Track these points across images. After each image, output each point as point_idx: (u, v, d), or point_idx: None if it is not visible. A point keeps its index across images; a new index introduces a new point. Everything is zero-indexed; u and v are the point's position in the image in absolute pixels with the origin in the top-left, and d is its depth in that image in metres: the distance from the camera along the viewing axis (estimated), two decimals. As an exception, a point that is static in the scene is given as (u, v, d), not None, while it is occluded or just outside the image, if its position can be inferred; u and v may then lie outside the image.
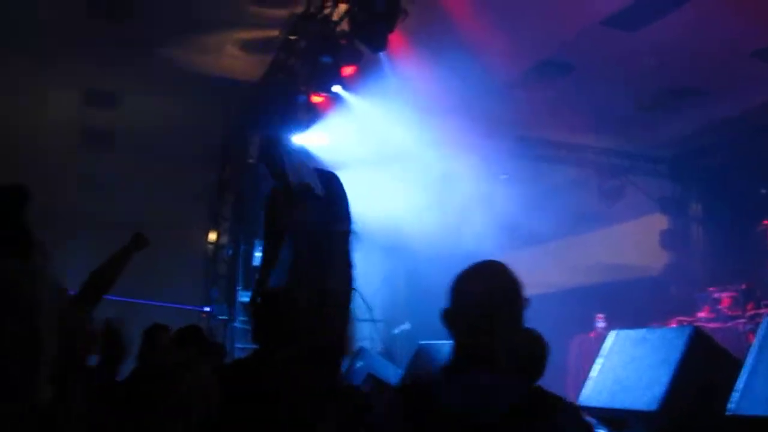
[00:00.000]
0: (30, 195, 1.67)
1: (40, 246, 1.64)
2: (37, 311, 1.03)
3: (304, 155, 3.68)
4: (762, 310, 8.24)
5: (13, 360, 1.02)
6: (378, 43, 6.42)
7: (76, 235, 13.06)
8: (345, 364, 4.78)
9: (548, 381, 2.49)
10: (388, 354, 7.73)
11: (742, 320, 8.38)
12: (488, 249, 8.67)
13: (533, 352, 3.02)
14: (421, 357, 5.00)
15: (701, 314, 9.04)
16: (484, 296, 1.87)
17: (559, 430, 1.69)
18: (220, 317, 9.59)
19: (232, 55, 9.20)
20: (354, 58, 6.97)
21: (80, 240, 13.18)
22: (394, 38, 6.59)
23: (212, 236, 10.95)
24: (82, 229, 14.21)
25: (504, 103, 9.02)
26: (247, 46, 8.97)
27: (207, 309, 9.66)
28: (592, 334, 9.89)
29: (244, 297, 9.48)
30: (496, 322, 1.82)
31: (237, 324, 9.42)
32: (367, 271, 8.32)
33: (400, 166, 7.80)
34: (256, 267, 9.50)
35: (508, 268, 1.92)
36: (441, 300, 2.04)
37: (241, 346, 8.98)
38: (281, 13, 8.09)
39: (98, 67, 9.47)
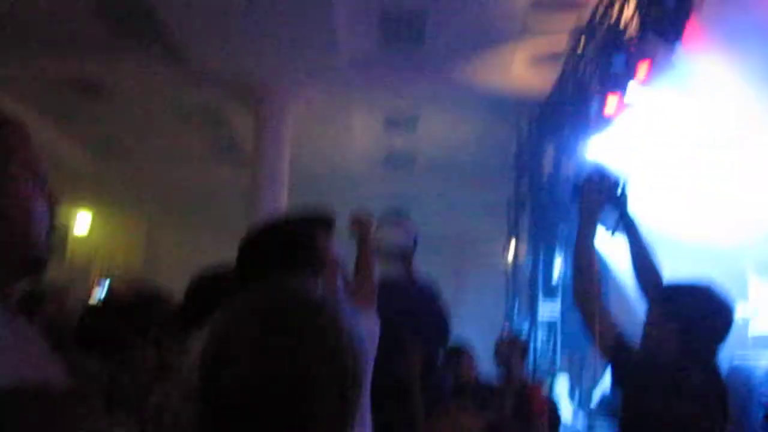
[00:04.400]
0: (326, 221, 1.79)
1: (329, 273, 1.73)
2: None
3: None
4: None
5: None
6: (673, 34, 6.00)
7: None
8: None
9: None
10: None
11: None
12: None
13: None
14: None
15: None
16: None
17: None
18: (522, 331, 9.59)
19: (520, 71, 9.25)
20: (647, 54, 6.60)
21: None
22: (689, 26, 6.12)
23: (512, 248, 11.02)
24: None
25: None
26: (535, 61, 8.97)
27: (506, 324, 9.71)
28: None
29: (545, 311, 9.39)
30: None
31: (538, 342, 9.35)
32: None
33: (716, 157, 7.14)
34: (556, 279, 9.41)
35: None
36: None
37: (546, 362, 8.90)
38: (567, 21, 7.99)
39: (396, 94, 10.03)
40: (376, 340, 2.51)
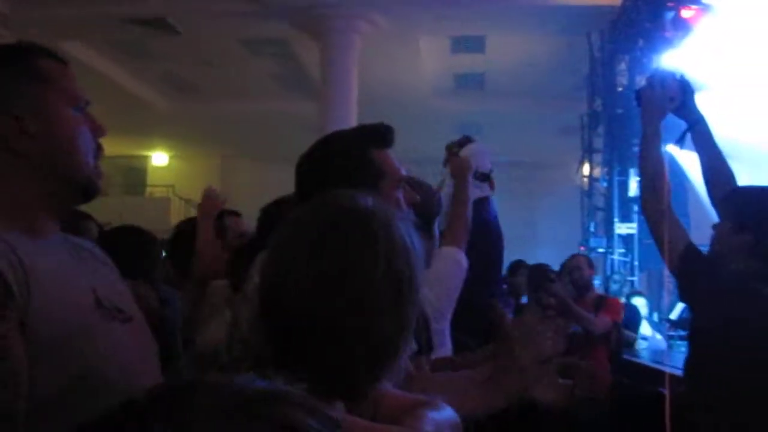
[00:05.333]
0: (381, 134, 1.75)
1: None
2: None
3: None
4: None
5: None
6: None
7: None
8: None
9: None
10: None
11: None
12: None
13: None
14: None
15: None
16: None
17: None
18: (599, 250, 9.50)
19: (592, -20, 8.95)
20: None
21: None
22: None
23: (586, 169, 10.84)
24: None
25: None
26: (608, -32, 8.65)
27: (582, 247, 9.62)
28: None
29: (622, 228, 9.28)
30: None
31: (615, 256, 9.26)
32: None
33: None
34: (631, 198, 9.24)
35: None
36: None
37: (619, 278, 8.82)
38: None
39: (464, 14, 9.82)
40: (463, 276, 2.56)
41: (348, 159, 1.67)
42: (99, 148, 1.33)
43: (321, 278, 0.99)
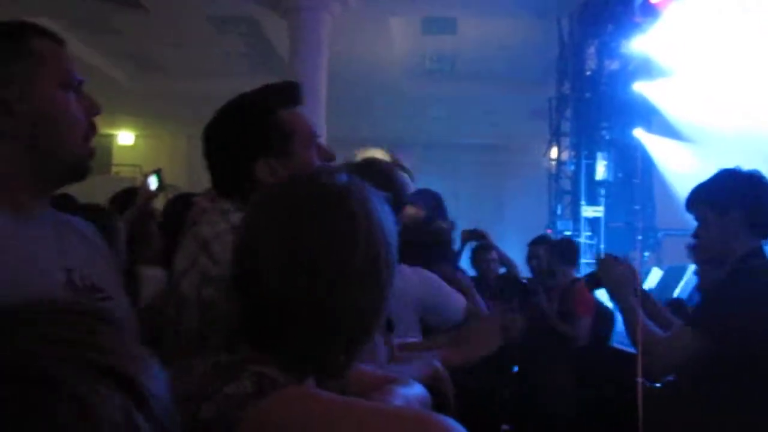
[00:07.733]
0: (290, 94, 1.70)
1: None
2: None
3: None
4: None
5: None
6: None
7: (428, 157, 13.88)
8: None
9: None
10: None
11: None
12: None
13: None
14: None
15: None
16: None
17: None
18: (565, 233, 9.57)
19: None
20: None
21: (432, 161, 13.99)
22: None
23: (554, 152, 10.91)
24: (434, 150, 15.04)
25: None
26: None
27: (548, 230, 9.67)
28: None
29: (588, 212, 9.35)
30: None
31: (582, 239, 9.34)
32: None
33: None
34: (598, 181, 9.32)
35: None
36: None
37: (587, 261, 8.90)
38: None
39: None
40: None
41: (255, 122, 1.61)
42: (92, 128, 1.34)
43: (299, 258, 0.97)
